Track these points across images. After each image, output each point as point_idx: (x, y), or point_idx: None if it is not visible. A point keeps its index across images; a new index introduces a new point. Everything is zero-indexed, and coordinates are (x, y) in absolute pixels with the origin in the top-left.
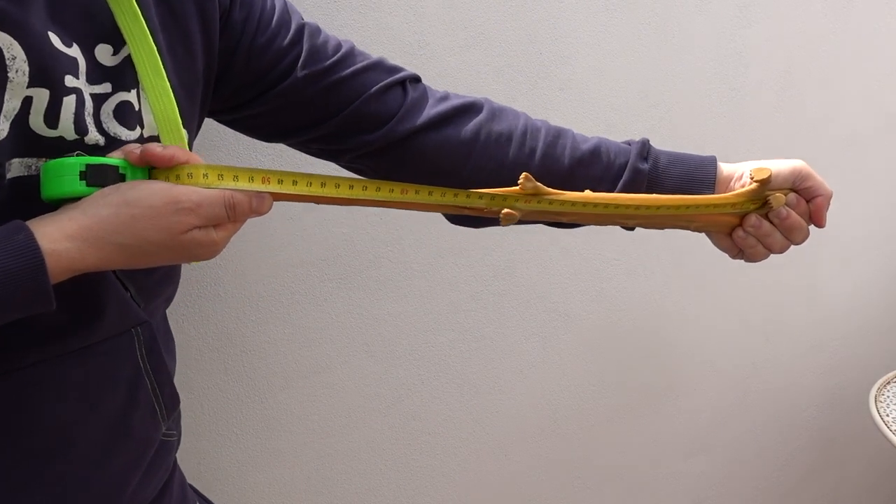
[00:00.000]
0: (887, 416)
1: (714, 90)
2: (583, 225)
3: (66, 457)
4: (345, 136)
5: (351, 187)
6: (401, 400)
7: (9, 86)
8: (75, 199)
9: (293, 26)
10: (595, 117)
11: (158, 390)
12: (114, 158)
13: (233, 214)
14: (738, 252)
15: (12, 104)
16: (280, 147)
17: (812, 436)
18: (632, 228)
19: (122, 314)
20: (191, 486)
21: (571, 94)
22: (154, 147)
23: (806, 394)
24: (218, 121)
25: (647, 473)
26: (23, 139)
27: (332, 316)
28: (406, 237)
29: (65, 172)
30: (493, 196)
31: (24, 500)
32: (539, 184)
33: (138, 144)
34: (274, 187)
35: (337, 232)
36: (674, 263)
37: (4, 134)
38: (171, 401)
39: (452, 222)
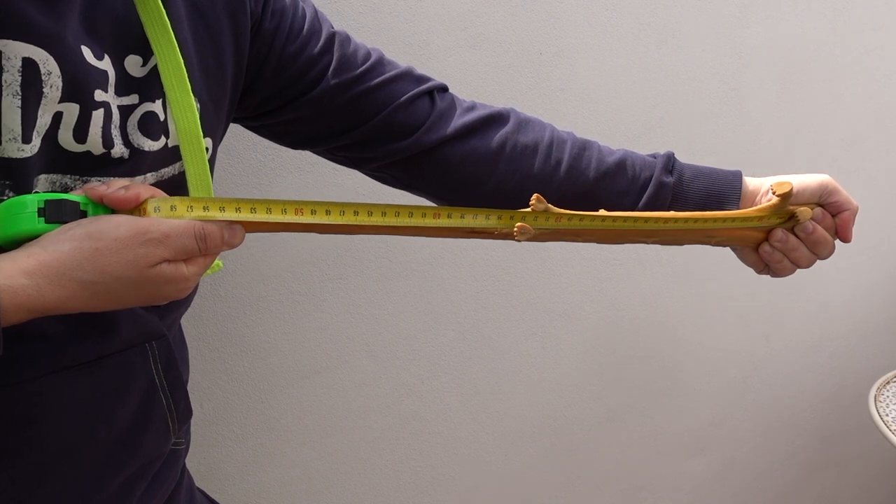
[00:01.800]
0: (887, 415)
1: (714, 90)
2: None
3: (67, 471)
4: (372, 144)
5: (330, 212)
6: (401, 400)
7: (43, 101)
8: (34, 237)
9: (323, 35)
10: (595, 117)
11: (173, 405)
12: (74, 195)
13: (204, 246)
14: (765, 267)
15: (45, 119)
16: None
17: (812, 435)
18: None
19: (135, 327)
20: (199, 490)
21: (571, 94)
22: (117, 192)
23: (806, 393)
24: (245, 126)
25: (647, 473)
26: (51, 155)
27: (332, 316)
28: (406, 237)
29: (22, 210)
30: (500, 215)
31: None
32: (550, 205)
33: (101, 182)
34: (246, 216)
35: None
36: (673, 263)
37: (36, 150)
38: (185, 414)
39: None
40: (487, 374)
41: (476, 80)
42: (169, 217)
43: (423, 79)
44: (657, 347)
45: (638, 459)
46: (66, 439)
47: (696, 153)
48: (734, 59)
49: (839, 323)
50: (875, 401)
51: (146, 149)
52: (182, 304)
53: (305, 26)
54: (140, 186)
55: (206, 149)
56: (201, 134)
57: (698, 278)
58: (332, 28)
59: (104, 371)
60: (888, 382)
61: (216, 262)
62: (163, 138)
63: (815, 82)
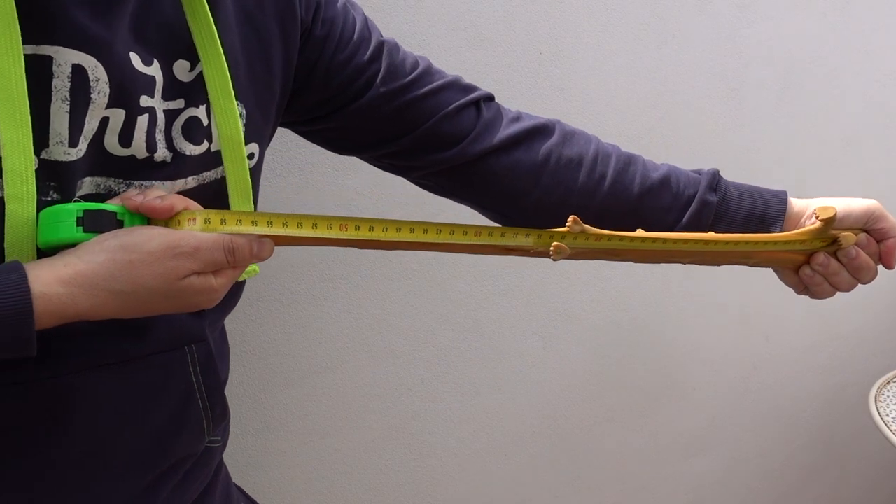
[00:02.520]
0: (887, 415)
1: (714, 90)
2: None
3: (97, 466)
4: (417, 153)
5: (362, 228)
6: (401, 400)
7: (91, 107)
8: (72, 245)
9: (372, 43)
10: (595, 117)
11: (210, 409)
12: (112, 205)
13: (232, 259)
14: (804, 288)
15: (92, 125)
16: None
17: (812, 435)
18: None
19: (174, 330)
20: (237, 486)
21: (571, 94)
22: (152, 201)
23: (806, 394)
24: (294, 131)
25: (647, 473)
26: (96, 158)
27: (332, 316)
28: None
29: (62, 218)
30: (539, 235)
31: None
32: (587, 226)
33: (138, 191)
34: (278, 230)
35: None
36: (674, 264)
37: (82, 153)
38: (221, 416)
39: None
40: (487, 374)
41: (476, 80)
42: (203, 229)
43: (469, 88)
44: (657, 347)
45: (638, 459)
46: (98, 436)
47: (696, 153)
48: (734, 59)
49: (839, 323)
50: (875, 401)
51: (188, 153)
52: (227, 307)
53: (355, 35)
54: (174, 197)
55: (252, 154)
56: (242, 140)
57: (698, 278)
58: (382, 36)
59: (140, 371)
60: (888, 382)
61: (253, 266)
62: (205, 143)
63: (815, 82)
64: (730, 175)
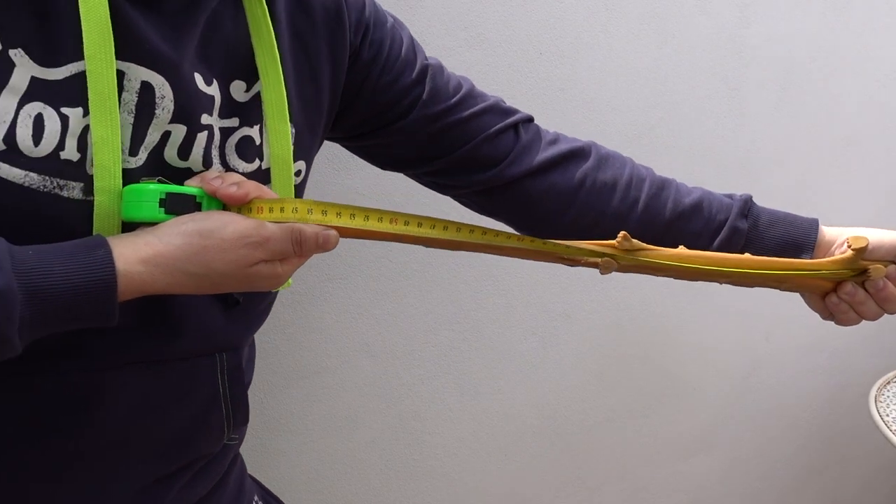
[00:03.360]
0: (887, 415)
1: (714, 90)
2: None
3: (118, 460)
4: (456, 173)
5: (424, 225)
6: (401, 400)
7: (154, 121)
8: (152, 223)
9: (417, 66)
10: (595, 117)
11: (232, 414)
12: (191, 187)
13: (299, 250)
14: (829, 315)
15: (153, 137)
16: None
17: (812, 435)
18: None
19: (206, 337)
20: (251, 477)
21: (571, 94)
22: (228, 188)
23: (806, 394)
24: (341, 145)
25: (647, 473)
26: (155, 168)
27: (332, 316)
28: None
29: (145, 198)
30: (591, 251)
31: (62, 495)
32: (635, 241)
33: (217, 174)
34: (345, 222)
35: None
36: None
37: (141, 162)
38: (241, 421)
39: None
40: (487, 374)
41: (476, 80)
42: (274, 218)
43: (510, 111)
44: (657, 347)
45: (638, 459)
46: (123, 429)
47: (696, 153)
48: (734, 59)
49: None
50: (875, 401)
51: (240, 170)
52: (261, 318)
53: (401, 57)
54: (250, 184)
55: (300, 171)
56: (292, 160)
57: None
58: (427, 59)
59: (169, 374)
60: (888, 382)
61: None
62: (257, 161)
63: (815, 82)
64: (730, 175)
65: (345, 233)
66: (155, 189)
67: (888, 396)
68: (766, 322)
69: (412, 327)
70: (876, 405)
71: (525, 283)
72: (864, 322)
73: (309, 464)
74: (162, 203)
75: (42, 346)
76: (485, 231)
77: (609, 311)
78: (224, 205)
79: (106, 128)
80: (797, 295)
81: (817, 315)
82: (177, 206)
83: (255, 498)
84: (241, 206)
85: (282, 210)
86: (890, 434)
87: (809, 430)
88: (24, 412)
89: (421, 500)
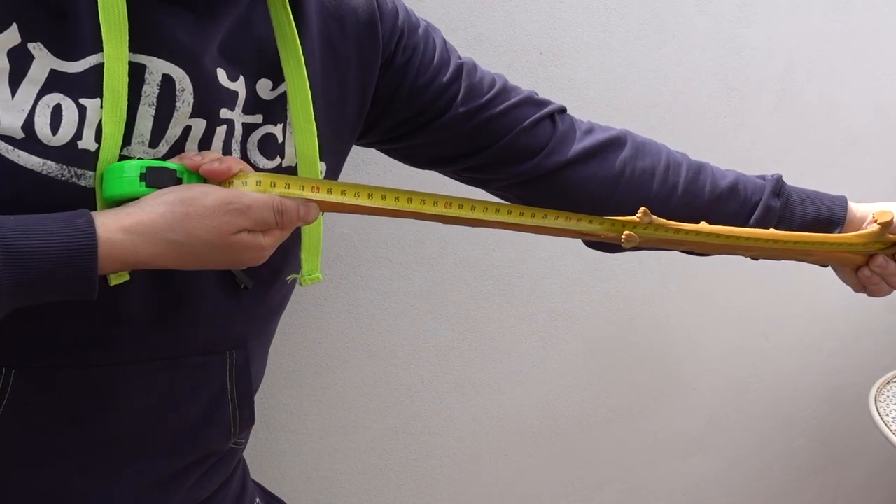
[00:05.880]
0: (887, 415)
1: (714, 90)
2: (701, 252)
3: (134, 450)
4: (496, 167)
5: (416, 201)
6: (401, 400)
7: (175, 114)
8: (135, 199)
9: (452, 65)
10: (595, 117)
11: (238, 412)
12: (172, 163)
13: (281, 220)
14: (862, 287)
15: (174, 131)
16: None
17: (812, 435)
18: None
19: (218, 333)
20: (253, 481)
21: (571, 94)
22: (211, 163)
23: (806, 393)
24: (377, 149)
25: (647, 473)
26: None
27: (332, 316)
28: (406, 237)
29: (126, 173)
30: (613, 223)
31: (71, 488)
32: (655, 217)
33: (197, 153)
34: (323, 196)
35: (337, 232)
36: (673, 263)
37: (161, 154)
38: (247, 422)
39: (589, 247)
40: (487, 374)
41: None
42: (255, 190)
43: (543, 102)
44: (657, 347)
45: (638, 459)
46: (140, 420)
47: (696, 153)
48: (734, 59)
49: (839, 322)
50: (875, 401)
51: (261, 166)
52: (275, 315)
53: (435, 58)
54: (231, 160)
55: (321, 171)
56: (318, 159)
57: (698, 278)
58: (460, 58)
59: (181, 370)
60: (888, 382)
61: (317, 274)
62: (278, 158)
63: (815, 82)
64: None
65: (325, 206)
66: (136, 164)
67: (888, 396)
68: (766, 322)
69: (412, 327)
70: (876, 405)
71: (525, 283)
72: (863, 322)
73: (309, 464)
74: (143, 178)
75: (70, 338)
76: (497, 209)
77: (609, 311)
78: (205, 180)
79: (113, 124)
80: (796, 295)
81: (816, 314)
82: (158, 179)
83: (257, 500)
84: (222, 181)
85: (258, 183)
86: (890, 434)
87: (809, 430)
88: (51, 402)
89: (421, 500)
